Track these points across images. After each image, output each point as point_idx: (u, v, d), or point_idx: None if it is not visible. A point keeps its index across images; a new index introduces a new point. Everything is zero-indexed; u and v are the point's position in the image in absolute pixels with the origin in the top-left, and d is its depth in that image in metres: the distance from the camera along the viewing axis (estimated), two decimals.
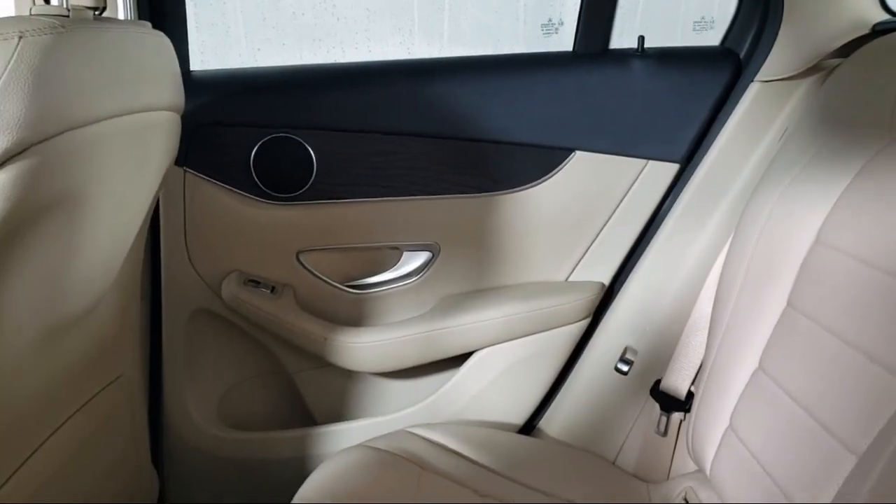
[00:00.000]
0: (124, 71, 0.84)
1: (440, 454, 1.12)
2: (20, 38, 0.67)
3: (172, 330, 1.27)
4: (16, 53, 0.66)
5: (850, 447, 0.77)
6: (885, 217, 0.83)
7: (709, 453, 1.03)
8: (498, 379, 1.30)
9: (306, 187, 1.23)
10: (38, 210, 0.73)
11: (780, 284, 0.98)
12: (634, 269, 1.28)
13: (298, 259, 1.27)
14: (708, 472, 1.03)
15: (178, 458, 1.32)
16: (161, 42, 0.94)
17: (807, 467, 0.83)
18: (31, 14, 0.76)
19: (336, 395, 1.36)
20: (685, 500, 1.07)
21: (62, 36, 0.72)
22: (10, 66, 0.66)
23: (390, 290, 1.30)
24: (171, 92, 0.96)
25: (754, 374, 0.98)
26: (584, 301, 1.27)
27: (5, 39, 0.66)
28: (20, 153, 0.67)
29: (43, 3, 0.81)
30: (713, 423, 1.04)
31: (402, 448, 1.11)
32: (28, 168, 0.69)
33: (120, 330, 1.07)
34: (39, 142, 0.69)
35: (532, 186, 1.26)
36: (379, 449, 1.09)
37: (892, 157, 0.85)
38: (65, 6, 0.79)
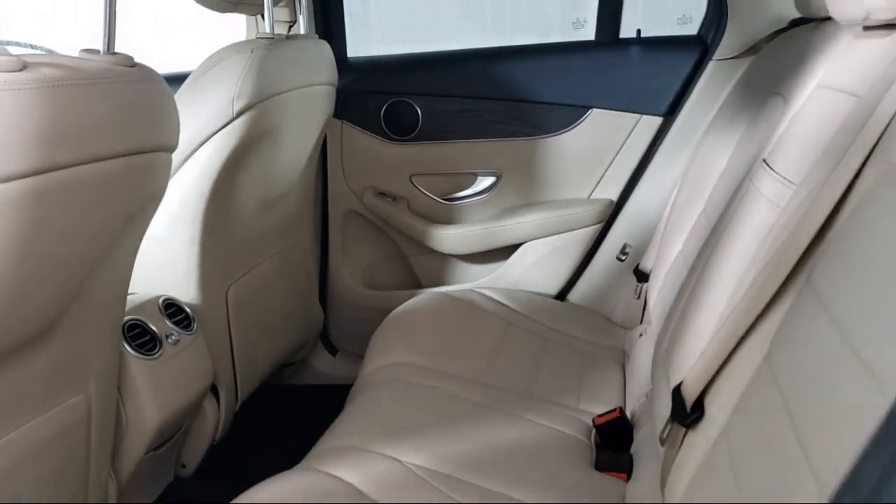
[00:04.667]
0: (303, 64, 1.53)
1: (488, 302, 1.73)
2: (252, 51, 1.37)
3: (334, 223, 1.97)
4: (249, 60, 1.36)
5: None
6: (746, 145, 1.30)
7: (651, 305, 1.58)
8: (538, 262, 1.87)
9: (415, 133, 1.87)
10: (256, 137, 1.39)
11: (702, 197, 1.49)
12: (633, 191, 1.81)
13: (411, 180, 1.92)
14: (650, 317, 1.58)
15: (335, 304, 2.03)
16: (324, 47, 1.62)
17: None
18: (257, 37, 1.47)
19: (434, 270, 2.00)
20: (640, 335, 1.63)
21: (271, 49, 1.41)
22: (247, 66, 1.35)
23: (469, 202, 1.92)
24: (329, 75, 1.64)
25: (677, 255, 1.51)
26: (598, 211, 1.82)
27: (243, 52, 1.36)
28: (250, 108, 1.34)
29: (264, 31, 1.51)
30: (654, 287, 1.57)
31: (464, 296, 1.71)
32: (252, 116, 1.36)
33: (300, 214, 1.78)
34: (258, 102, 1.35)
35: (564, 132, 1.82)
36: (447, 294, 1.72)
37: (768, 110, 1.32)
38: (271, 33, 1.48)
